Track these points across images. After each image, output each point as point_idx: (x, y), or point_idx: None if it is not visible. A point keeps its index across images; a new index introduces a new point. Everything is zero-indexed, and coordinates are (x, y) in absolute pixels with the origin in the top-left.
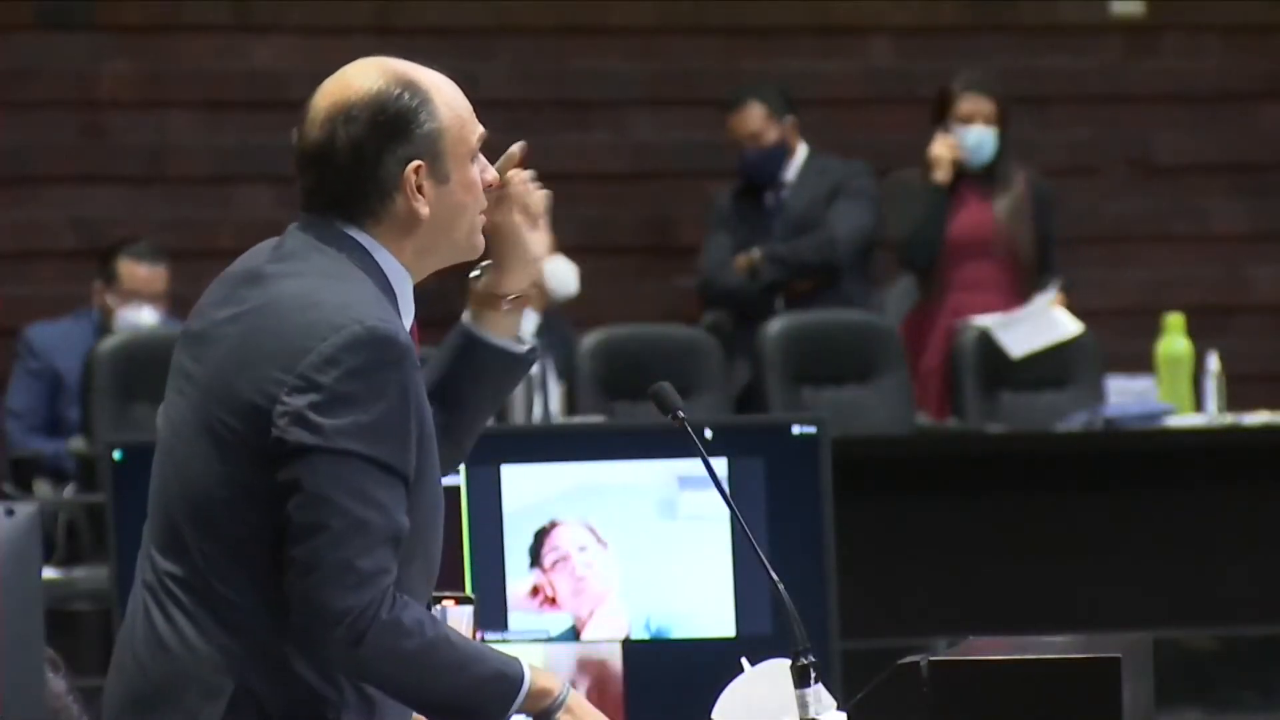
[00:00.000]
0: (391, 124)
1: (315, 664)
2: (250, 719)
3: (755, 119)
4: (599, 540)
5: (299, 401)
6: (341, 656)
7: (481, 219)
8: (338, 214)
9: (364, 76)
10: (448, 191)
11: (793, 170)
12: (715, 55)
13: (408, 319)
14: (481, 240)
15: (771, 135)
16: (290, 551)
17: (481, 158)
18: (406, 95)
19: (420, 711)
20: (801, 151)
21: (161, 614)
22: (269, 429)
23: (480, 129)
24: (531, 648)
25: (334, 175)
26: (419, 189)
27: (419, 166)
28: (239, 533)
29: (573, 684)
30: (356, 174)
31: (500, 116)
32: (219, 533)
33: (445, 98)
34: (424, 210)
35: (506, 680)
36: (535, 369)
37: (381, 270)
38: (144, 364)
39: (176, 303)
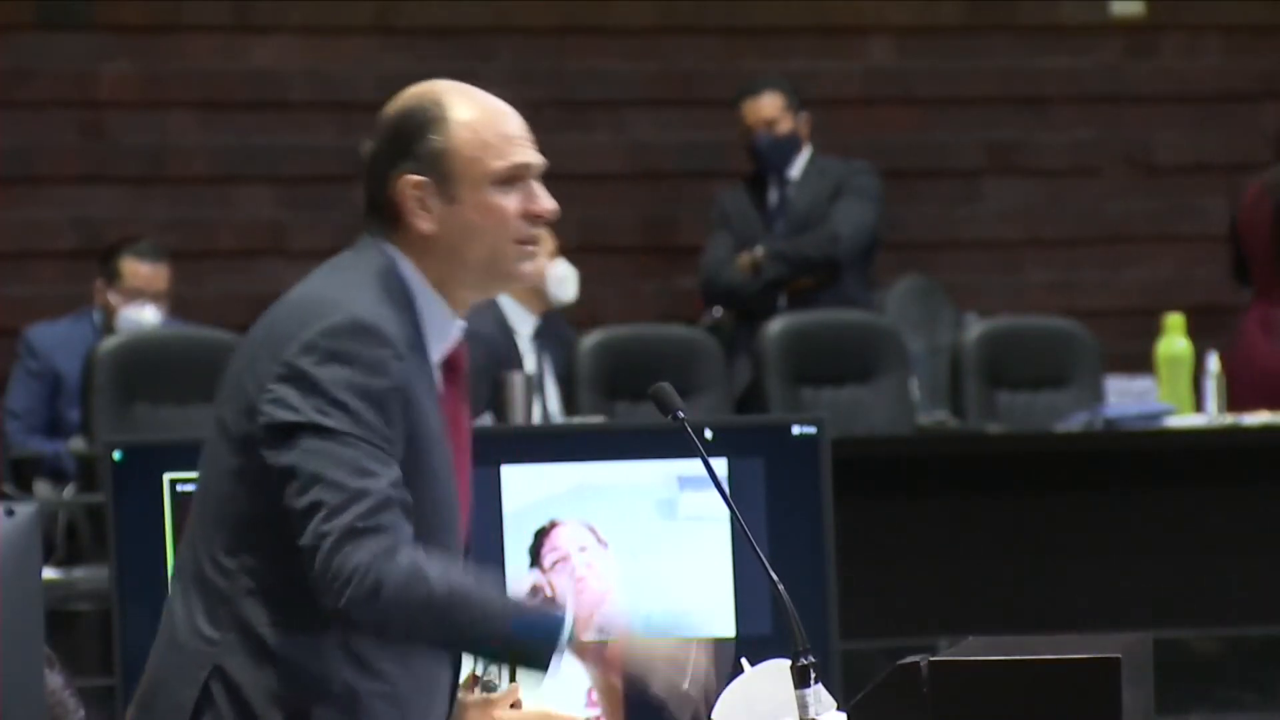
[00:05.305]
0: (399, 138)
1: (307, 656)
2: (228, 707)
3: (773, 106)
4: (599, 540)
5: (282, 387)
6: (364, 615)
7: (518, 250)
8: (372, 225)
9: (411, 93)
10: (455, 212)
11: (797, 168)
12: (715, 55)
13: (440, 343)
14: (518, 271)
15: (785, 125)
16: (296, 532)
17: (534, 185)
18: (423, 113)
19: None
20: (805, 150)
21: (180, 603)
22: (259, 417)
23: (522, 157)
24: None
25: (366, 187)
26: (423, 205)
27: (418, 182)
28: (232, 521)
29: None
30: (371, 186)
31: None
32: (216, 522)
33: (472, 120)
34: (425, 226)
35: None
36: (534, 369)
37: (405, 283)
38: (144, 364)
39: (177, 303)
